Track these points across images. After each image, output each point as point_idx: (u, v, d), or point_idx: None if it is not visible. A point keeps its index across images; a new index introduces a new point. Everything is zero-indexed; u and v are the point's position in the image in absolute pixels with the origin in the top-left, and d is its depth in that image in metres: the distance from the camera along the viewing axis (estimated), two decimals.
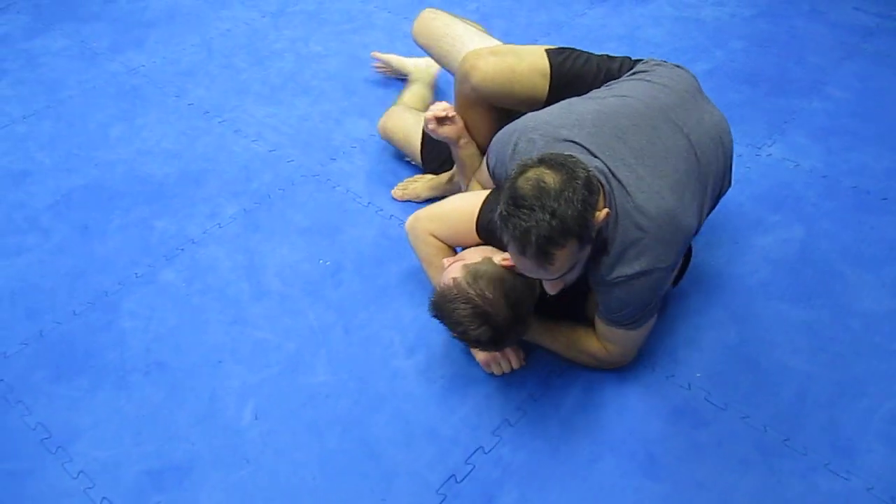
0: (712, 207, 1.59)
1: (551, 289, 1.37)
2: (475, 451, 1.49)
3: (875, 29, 2.92)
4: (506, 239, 1.27)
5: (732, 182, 1.66)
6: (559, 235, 1.21)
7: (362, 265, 1.90)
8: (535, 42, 2.80)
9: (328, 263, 1.91)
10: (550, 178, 1.23)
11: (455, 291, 1.39)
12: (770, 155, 2.28)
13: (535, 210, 1.21)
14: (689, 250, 1.74)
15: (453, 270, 1.44)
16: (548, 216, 1.20)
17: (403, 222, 1.88)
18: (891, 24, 2.96)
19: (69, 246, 1.96)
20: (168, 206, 2.08)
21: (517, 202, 1.23)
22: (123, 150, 2.30)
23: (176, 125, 2.41)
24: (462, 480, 1.44)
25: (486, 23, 2.36)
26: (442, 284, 1.45)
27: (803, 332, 1.73)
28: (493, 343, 1.42)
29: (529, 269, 1.29)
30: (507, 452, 1.49)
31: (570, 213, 1.21)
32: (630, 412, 1.56)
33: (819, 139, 2.34)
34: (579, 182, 1.24)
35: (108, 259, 1.92)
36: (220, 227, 2.01)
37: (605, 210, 1.30)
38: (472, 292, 1.38)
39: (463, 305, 1.37)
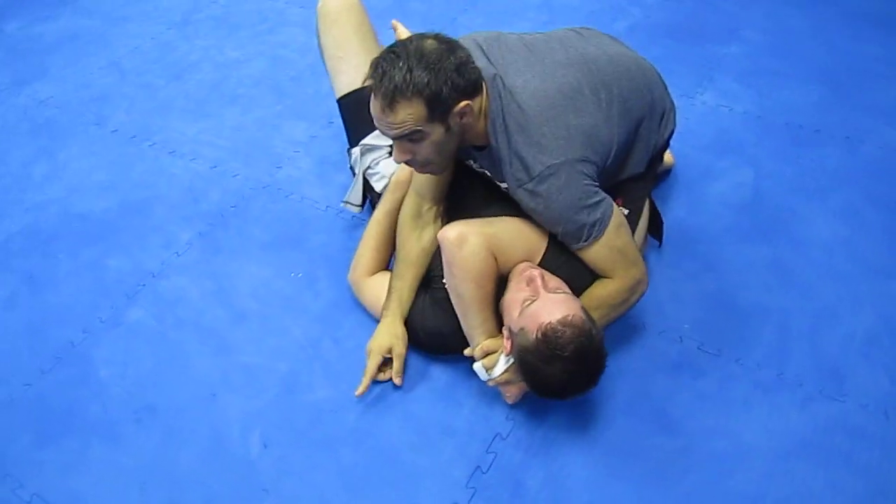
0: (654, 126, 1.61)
1: (398, 155, 1.40)
2: (493, 439, 1.49)
3: None
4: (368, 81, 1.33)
5: (676, 123, 1.71)
6: (407, 89, 1.27)
7: (336, 271, 1.85)
8: (454, 20, 2.79)
9: (300, 275, 1.86)
10: (430, 45, 1.31)
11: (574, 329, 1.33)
12: (704, 103, 2.36)
13: (400, 59, 1.28)
14: (656, 210, 1.79)
15: (568, 303, 1.37)
16: (405, 69, 1.27)
17: (366, 221, 1.85)
18: None
19: (19, 300, 1.83)
20: (117, 242, 1.97)
21: (392, 48, 1.32)
22: (52, 188, 2.16)
23: (103, 155, 2.28)
24: (488, 470, 1.44)
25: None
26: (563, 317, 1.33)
27: (772, 270, 1.81)
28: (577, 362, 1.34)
29: (377, 113, 1.33)
30: (524, 435, 1.50)
31: (426, 78, 1.27)
32: (632, 374, 1.60)
33: (746, 82, 2.44)
34: (452, 62, 1.30)
35: (65, 308, 1.80)
36: (178, 256, 1.92)
37: (466, 102, 1.32)
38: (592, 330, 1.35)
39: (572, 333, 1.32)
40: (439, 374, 1.62)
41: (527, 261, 1.50)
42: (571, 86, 1.42)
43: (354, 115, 1.90)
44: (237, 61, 2.68)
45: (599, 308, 1.47)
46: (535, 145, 1.38)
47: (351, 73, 1.87)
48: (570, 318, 1.32)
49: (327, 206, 2.05)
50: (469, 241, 1.44)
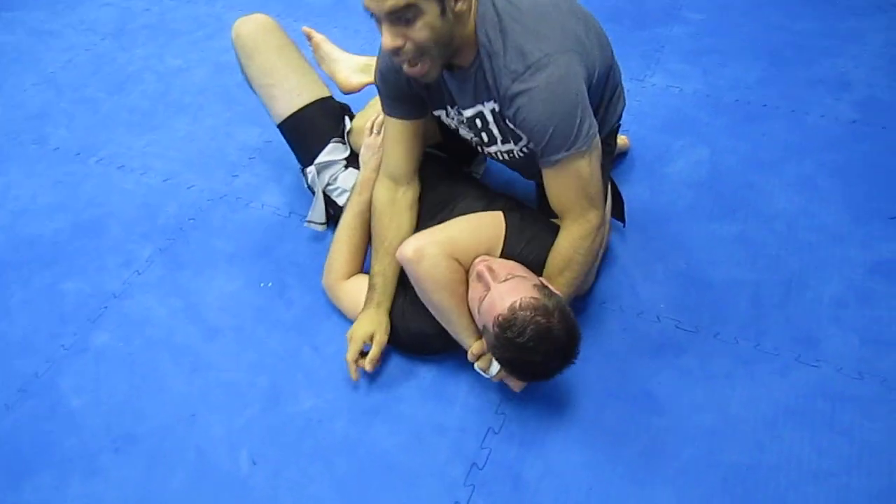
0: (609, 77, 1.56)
1: (388, 41, 1.27)
2: (486, 434, 1.49)
3: None
4: None
5: (626, 100, 1.70)
6: None
7: (306, 278, 1.82)
8: None
9: (270, 285, 1.81)
10: None
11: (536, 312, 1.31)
12: (654, 85, 2.40)
13: None
14: (617, 191, 1.81)
15: (516, 288, 1.35)
16: None
17: (334, 227, 1.82)
18: None
19: None
20: (73, 265, 1.89)
21: None
22: None
23: (47, 175, 2.18)
24: (484, 466, 1.43)
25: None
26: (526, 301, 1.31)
27: (738, 244, 1.85)
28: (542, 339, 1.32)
29: None
30: (516, 428, 1.50)
31: None
32: (616, 357, 1.61)
33: (692, 62, 2.49)
34: None
35: (24, 338, 1.71)
36: (139, 275, 1.85)
37: None
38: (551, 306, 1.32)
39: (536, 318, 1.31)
40: (425, 373, 1.60)
41: (487, 254, 1.49)
42: (553, 2, 1.39)
43: (301, 136, 1.86)
44: (180, 70, 2.60)
45: (565, 270, 1.47)
46: (532, 33, 1.32)
47: (286, 97, 1.84)
48: (518, 303, 1.30)
49: (290, 212, 2.01)
50: (427, 253, 1.42)
